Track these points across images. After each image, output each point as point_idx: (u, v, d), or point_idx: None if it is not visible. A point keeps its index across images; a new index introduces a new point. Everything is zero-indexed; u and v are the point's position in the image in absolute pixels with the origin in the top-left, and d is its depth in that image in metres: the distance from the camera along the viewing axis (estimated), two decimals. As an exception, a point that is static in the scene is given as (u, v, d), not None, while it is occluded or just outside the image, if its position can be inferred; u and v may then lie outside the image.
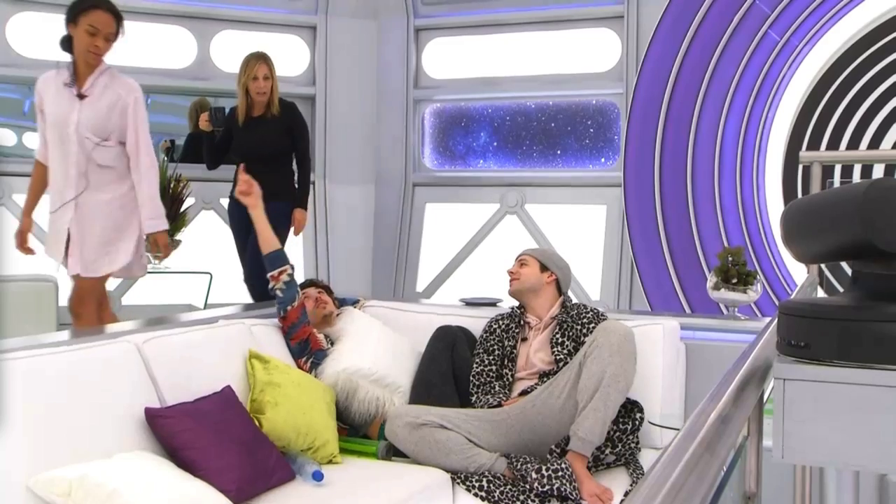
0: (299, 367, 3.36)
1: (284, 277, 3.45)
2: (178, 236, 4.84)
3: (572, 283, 4.04)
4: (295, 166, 4.76)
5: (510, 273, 3.50)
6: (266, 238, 3.51)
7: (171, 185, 4.88)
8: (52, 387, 2.37)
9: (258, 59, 4.62)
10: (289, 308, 3.42)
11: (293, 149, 4.69)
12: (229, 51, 5.94)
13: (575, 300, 3.57)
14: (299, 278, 3.77)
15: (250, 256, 4.30)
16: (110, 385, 2.54)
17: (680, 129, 5.30)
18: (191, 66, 5.83)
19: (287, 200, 4.60)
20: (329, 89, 6.12)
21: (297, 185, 4.70)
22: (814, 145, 5.05)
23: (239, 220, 4.50)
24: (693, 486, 0.86)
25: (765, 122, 5.18)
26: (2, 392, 2.12)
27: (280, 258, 3.50)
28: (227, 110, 4.70)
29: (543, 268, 3.46)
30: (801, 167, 5.04)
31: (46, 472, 2.19)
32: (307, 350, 3.40)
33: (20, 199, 5.38)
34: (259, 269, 3.81)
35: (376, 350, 3.44)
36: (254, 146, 4.57)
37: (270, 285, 3.45)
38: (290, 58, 6.14)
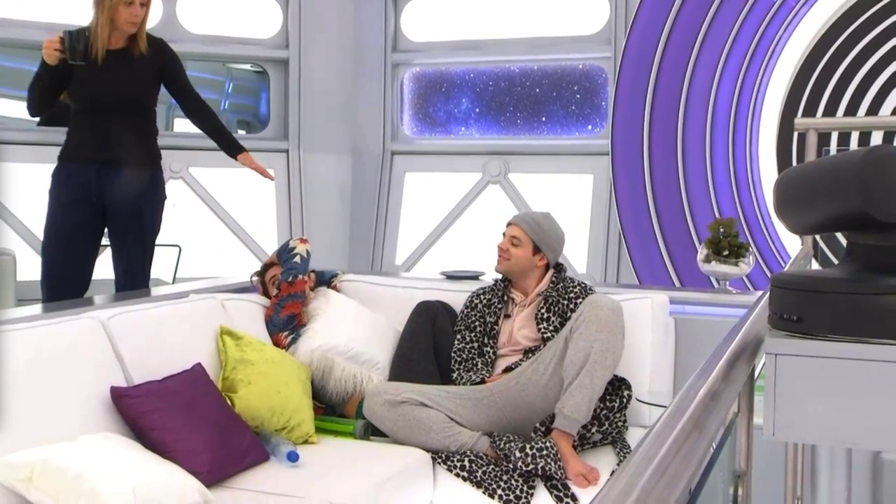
0: (278, 342, 3.36)
1: (308, 246, 3.52)
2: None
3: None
4: (185, 114, 4.02)
5: (500, 249, 3.40)
6: None
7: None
8: (12, 365, 2.35)
9: None
10: (300, 277, 3.44)
11: (155, 97, 3.80)
12: (198, 11, 5.88)
13: (567, 270, 3.53)
14: (271, 251, 3.77)
15: (63, 254, 3.60)
16: (74, 363, 2.53)
17: (670, 95, 5.30)
18: (157, 27, 5.75)
19: (155, 167, 3.77)
20: (303, 53, 6.07)
21: (216, 134, 3.91)
22: (810, 112, 5.07)
23: (65, 203, 3.60)
24: (681, 464, 0.86)
25: (759, 88, 5.18)
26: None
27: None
28: (88, 35, 3.51)
29: (536, 249, 3.38)
30: (796, 135, 5.06)
31: (6, 455, 2.18)
32: (292, 325, 3.40)
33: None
34: (70, 268, 3.55)
35: (352, 327, 3.45)
36: (115, 90, 3.59)
37: (292, 247, 3.49)
38: (262, 19, 6.08)
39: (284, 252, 3.49)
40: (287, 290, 3.41)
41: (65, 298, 3.44)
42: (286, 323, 3.40)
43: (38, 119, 4.99)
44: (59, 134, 3.74)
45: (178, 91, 3.82)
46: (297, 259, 3.45)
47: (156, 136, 3.80)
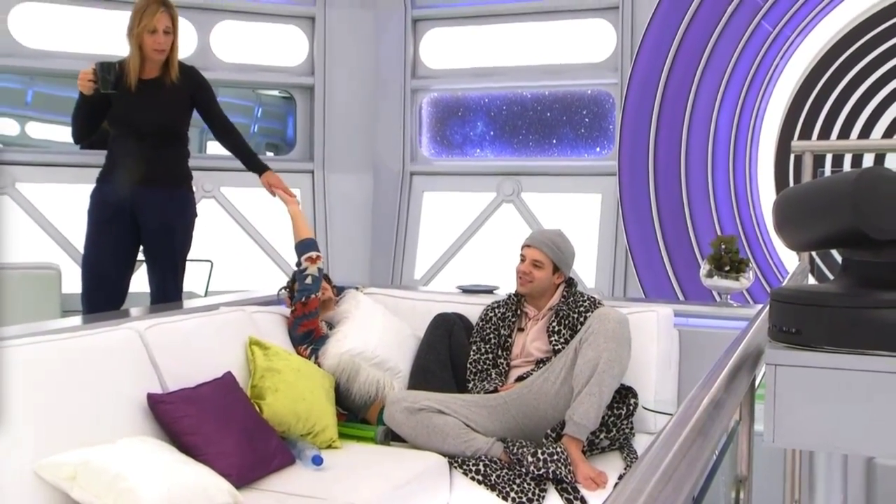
0: (299, 353, 3.37)
1: (319, 263, 3.48)
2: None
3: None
4: (217, 140, 3.97)
5: (522, 272, 3.36)
6: (302, 229, 3.57)
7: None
8: (56, 373, 2.37)
9: (159, 5, 3.58)
10: (312, 296, 3.42)
11: (188, 123, 3.81)
12: (229, 41, 5.93)
13: (578, 284, 3.52)
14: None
15: (100, 270, 3.61)
16: (113, 371, 2.54)
17: (674, 119, 5.30)
18: (191, 57, 5.81)
19: (186, 189, 3.77)
20: (328, 79, 6.10)
21: (242, 154, 3.91)
22: (805, 135, 5.05)
23: (101, 221, 3.62)
24: (686, 469, 0.86)
25: (757, 112, 5.18)
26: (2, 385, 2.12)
27: (315, 244, 3.54)
28: (118, 66, 3.54)
29: (555, 269, 3.37)
30: (792, 156, 5.04)
31: (52, 456, 2.19)
32: (310, 338, 3.40)
33: (23, 187, 5.38)
34: (108, 282, 3.54)
35: (379, 334, 3.44)
36: (148, 117, 3.60)
37: (304, 267, 3.45)
38: (289, 48, 6.13)
39: (298, 273, 3.48)
40: (301, 311, 3.42)
41: (102, 310, 3.46)
42: (304, 338, 3.40)
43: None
44: (100, 156, 3.77)
45: (209, 116, 3.83)
46: (309, 280, 3.43)
47: (187, 158, 3.80)
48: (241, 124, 6.64)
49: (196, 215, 3.84)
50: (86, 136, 3.76)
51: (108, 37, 5.35)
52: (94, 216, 3.65)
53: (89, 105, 3.57)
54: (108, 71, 3.45)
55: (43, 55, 5.46)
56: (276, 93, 6.61)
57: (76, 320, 3.03)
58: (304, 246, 3.50)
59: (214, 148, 6.34)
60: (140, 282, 5.30)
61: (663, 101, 5.30)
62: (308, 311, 3.40)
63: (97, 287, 3.61)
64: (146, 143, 3.60)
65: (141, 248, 3.73)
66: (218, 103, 3.87)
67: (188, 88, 3.71)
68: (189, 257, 4.93)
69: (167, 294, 3.72)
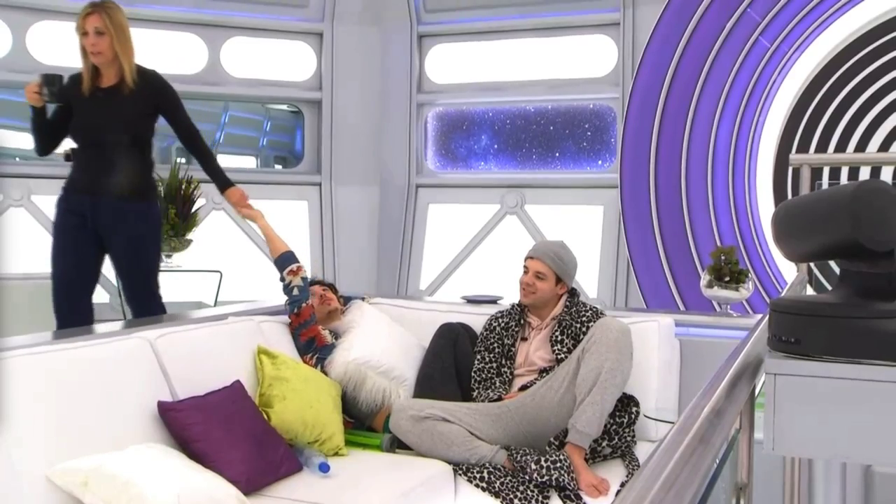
0: (305, 362, 3.36)
1: (302, 273, 3.43)
2: (189, 236, 4.84)
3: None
4: (184, 147, 3.80)
5: (525, 284, 3.35)
6: (277, 244, 3.50)
7: (183, 187, 4.88)
8: (68, 382, 2.37)
9: (89, 7, 3.40)
10: (303, 306, 3.41)
11: (150, 132, 3.62)
12: (240, 57, 5.95)
13: (581, 295, 3.51)
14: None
15: (67, 280, 3.52)
16: (124, 379, 2.54)
17: (674, 132, 5.30)
18: (202, 72, 5.84)
19: (149, 200, 3.60)
20: (335, 94, 6.12)
21: (208, 165, 3.75)
22: (803, 148, 5.05)
23: (65, 231, 3.51)
24: (687, 477, 0.86)
25: (756, 126, 5.18)
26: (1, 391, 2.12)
27: (293, 257, 3.48)
28: (64, 79, 3.44)
29: (558, 279, 3.36)
30: (790, 169, 5.04)
31: (64, 462, 2.19)
32: (313, 347, 3.40)
33: (38, 199, 5.40)
34: (74, 294, 3.42)
35: (385, 343, 3.44)
36: (101, 125, 3.46)
37: (287, 281, 3.41)
38: (298, 64, 6.15)
39: (284, 288, 3.44)
40: (297, 321, 3.41)
41: (69, 323, 3.36)
42: (307, 346, 3.39)
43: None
44: None
45: (174, 123, 3.65)
46: (296, 291, 3.40)
47: (151, 168, 3.62)
48: (250, 138, 6.70)
49: (160, 225, 3.69)
50: (48, 148, 3.60)
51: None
52: (57, 228, 3.54)
53: (42, 117, 3.47)
54: (52, 82, 3.34)
55: (59, 71, 5.48)
56: (284, 107, 6.64)
57: (88, 330, 3.03)
58: (283, 260, 3.45)
59: (224, 161, 6.36)
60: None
61: (664, 114, 5.30)
62: (303, 320, 3.39)
63: (64, 298, 3.51)
64: (106, 153, 3.44)
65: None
66: (184, 110, 3.67)
67: (149, 95, 3.53)
68: (199, 268, 4.92)
69: (139, 304, 3.58)
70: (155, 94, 3.56)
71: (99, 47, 3.39)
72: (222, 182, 3.74)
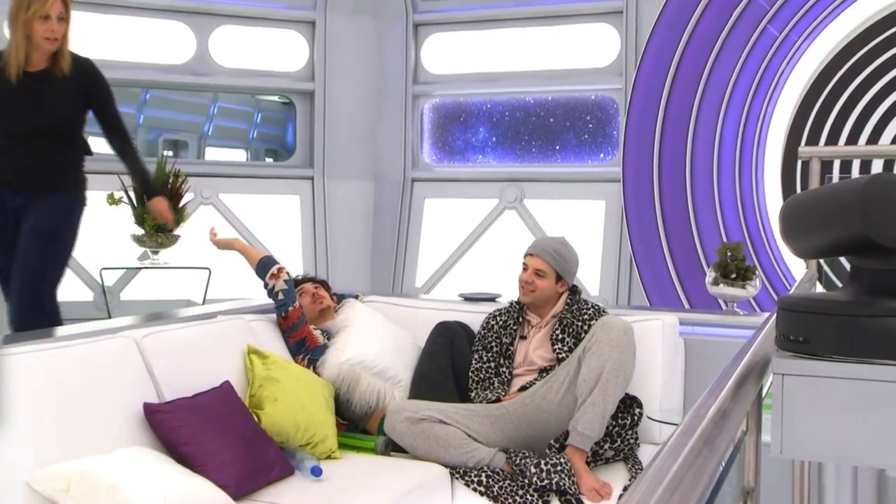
0: (297, 363, 3.36)
1: (284, 276, 3.40)
2: (177, 231, 4.83)
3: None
4: (107, 144, 3.64)
5: (524, 282, 3.36)
6: (253, 254, 3.53)
7: (171, 181, 4.87)
8: (51, 383, 2.37)
9: None
10: (290, 309, 3.40)
11: (82, 122, 3.48)
12: (229, 46, 5.94)
13: (582, 292, 3.51)
14: (296, 274, 3.77)
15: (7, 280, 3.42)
16: (109, 380, 2.54)
17: (679, 125, 5.30)
18: (190, 62, 5.82)
19: (73, 192, 3.47)
20: (328, 85, 6.11)
21: (134, 169, 3.61)
22: (813, 141, 5.05)
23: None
24: (692, 480, 0.86)
25: (764, 118, 5.18)
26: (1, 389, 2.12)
27: (272, 260, 3.47)
28: None
29: (558, 277, 3.37)
30: (800, 162, 5.03)
31: (46, 468, 2.19)
32: (304, 348, 3.39)
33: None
34: (24, 296, 3.29)
35: (380, 342, 3.44)
36: (32, 114, 3.32)
37: (270, 286, 3.39)
38: (289, 53, 6.14)
39: (269, 293, 3.43)
40: (285, 324, 3.41)
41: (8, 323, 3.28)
42: (298, 347, 3.39)
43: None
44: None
45: (102, 117, 3.51)
46: (281, 295, 3.38)
47: (81, 161, 3.51)
48: (239, 130, 6.69)
49: (79, 225, 3.52)
50: None
51: (116, 43, 5.37)
52: None
53: None
54: None
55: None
56: (275, 98, 6.62)
57: (72, 329, 3.03)
58: (263, 267, 3.44)
59: (213, 154, 6.38)
60: (138, 290, 5.31)
61: (668, 106, 5.30)
62: (291, 323, 3.39)
63: (3, 296, 3.44)
64: (33, 143, 3.34)
65: None
66: (115, 104, 3.55)
67: (81, 83, 3.40)
68: (187, 265, 4.92)
69: (40, 309, 3.38)
70: (87, 83, 3.44)
71: (59, 33, 3.29)
72: (151, 190, 3.72)
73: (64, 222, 3.44)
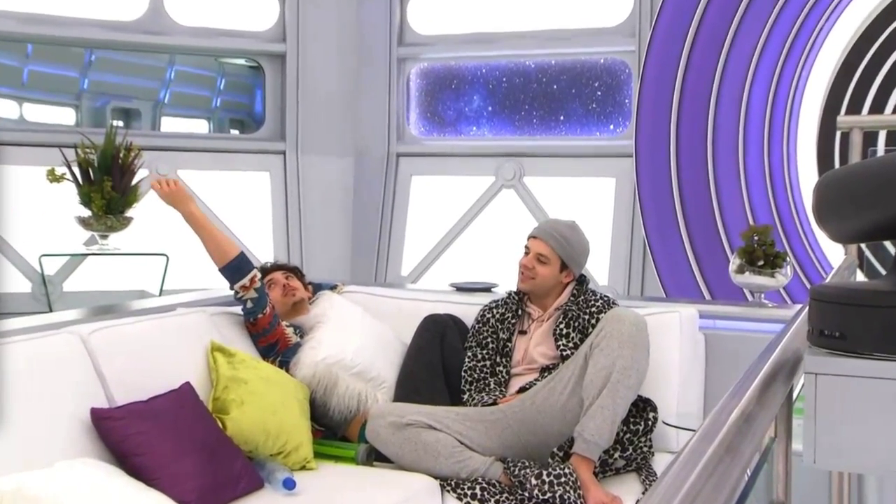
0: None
1: (257, 284, 3.33)
2: (128, 213, 4.80)
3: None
4: None
5: (524, 267, 3.37)
6: (222, 246, 3.33)
7: (121, 155, 4.83)
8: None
9: None
10: (259, 316, 3.37)
11: None
12: (188, 2, 5.90)
13: (590, 282, 3.51)
14: (265, 261, 3.76)
15: None
16: (51, 383, 2.53)
17: (699, 91, 5.30)
18: (142, 19, 5.79)
19: None
20: (302, 47, 6.09)
21: None
22: (854, 109, 5.05)
23: None
24: (711, 492, 0.86)
25: (797, 82, 5.17)
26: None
27: (246, 263, 3.34)
28: None
29: (563, 266, 3.37)
30: (839, 134, 5.04)
31: (-23, 482, 2.18)
32: (275, 350, 3.38)
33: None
34: None
35: (360, 339, 3.44)
36: None
37: (239, 295, 3.34)
38: (257, 11, 6.11)
39: (237, 299, 3.36)
40: (253, 329, 3.39)
41: None
42: (268, 350, 3.38)
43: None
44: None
45: None
46: (249, 304, 3.33)
47: None
48: (201, 97, 6.66)
49: None
50: None
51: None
52: None
53: None
54: None
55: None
56: (241, 61, 6.60)
57: (9, 324, 3.02)
58: (232, 270, 3.30)
59: (170, 125, 6.34)
60: (84, 279, 5.29)
61: (687, 70, 5.30)
62: (260, 329, 3.36)
63: None
64: None
65: None
66: None
67: None
68: (142, 251, 4.90)
69: None
70: None
71: None
72: None
73: None
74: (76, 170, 4.71)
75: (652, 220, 5.42)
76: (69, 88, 5.86)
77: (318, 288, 3.78)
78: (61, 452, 2.39)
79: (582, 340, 3.22)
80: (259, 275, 3.37)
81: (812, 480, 2.40)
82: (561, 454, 2.99)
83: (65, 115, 5.95)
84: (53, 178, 4.70)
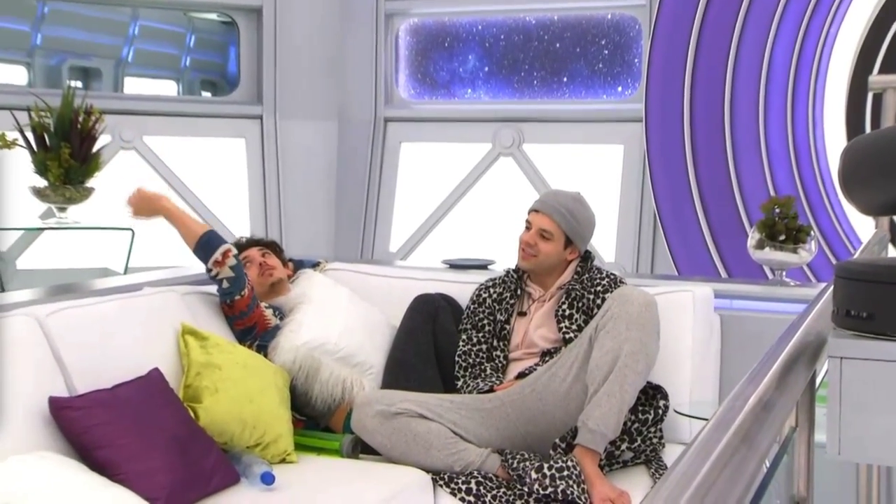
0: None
1: (231, 260, 3.30)
2: (89, 183, 4.78)
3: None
4: None
5: (525, 243, 3.36)
6: (191, 228, 3.35)
7: (80, 119, 4.81)
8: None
9: None
10: (237, 297, 3.36)
11: None
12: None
13: (595, 258, 3.51)
14: (241, 235, 3.75)
15: None
16: (3, 370, 2.52)
17: (716, 50, 5.28)
18: (104, -30, 5.75)
19: None
20: (280, 0, 6.06)
21: None
22: (888, 68, 5.04)
23: None
24: (725, 485, 0.86)
25: (825, 39, 5.16)
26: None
27: (216, 238, 3.34)
28: None
29: (568, 242, 3.37)
30: (870, 95, 5.03)
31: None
32: (253, 334, 3.38)
33: None
34: None
35: (344, 321, 3.45)
36: None
37: (214, 273, 3.32)
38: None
39: (211, 278, 3.34)
40: (230, 312, 3.38)
41: None
42: (245, 334, 3.38)
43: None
44: None
45: None
46: (226, 283, 3.32)
47: None
48: (168, 56, 6.63)
49: None
50: None
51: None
52: None
53: None
54: None
55: None
56: (213, 16, 6.57)
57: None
58: (203, 247, 3.31)
59: (134, 86, 6.31)
60: (41, 256, 5.28)
61: (703, 27, 5.28)
62: (238, 311, 3.36)
63: None
64: None
65: None
66: None
67: None
68: (105, 225, 4.88)
69: None
70: None
71: None
72: None
73: None
74: (30, 135, 4.68)
75: (663, 191, 5.42)
76: (20, 44, 5.82)
77: (298, 265, 3.78)
78: (16, 446, 2.38)
79: (586, 322, 3.22)
80: (234, 250, 3.36)
81: (836, 474, 2.41)
82: (563, 446, 3.00)
83: (15, 74, 5.91)
84: (4, 143, 4.67)
